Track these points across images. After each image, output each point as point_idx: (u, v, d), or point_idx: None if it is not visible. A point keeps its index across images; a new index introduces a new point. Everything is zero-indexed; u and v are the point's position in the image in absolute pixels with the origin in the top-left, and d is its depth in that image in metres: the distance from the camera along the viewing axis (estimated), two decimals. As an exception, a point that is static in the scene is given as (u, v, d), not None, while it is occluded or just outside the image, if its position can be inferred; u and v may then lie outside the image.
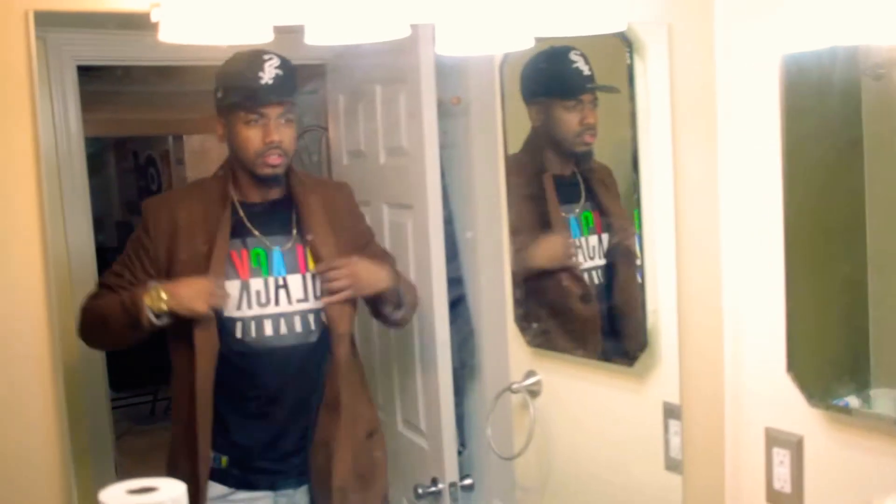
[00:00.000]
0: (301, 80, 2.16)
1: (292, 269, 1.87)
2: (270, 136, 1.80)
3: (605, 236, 2.14)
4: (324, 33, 1.49)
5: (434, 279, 1.96)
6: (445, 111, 2.08)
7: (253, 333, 1.83)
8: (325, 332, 1.87)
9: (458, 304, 2.15)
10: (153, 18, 1.38)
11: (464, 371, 2.21)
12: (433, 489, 1.98)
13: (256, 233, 1.86)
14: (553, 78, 2.08)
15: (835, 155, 1.83)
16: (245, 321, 1.83)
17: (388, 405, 2.16)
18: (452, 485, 1.97)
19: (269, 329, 1.84)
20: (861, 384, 1.82)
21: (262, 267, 1.85)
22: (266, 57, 1.78)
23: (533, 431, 2.13)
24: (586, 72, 2.04)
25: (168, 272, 1.78)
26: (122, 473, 1.82)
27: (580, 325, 2.20)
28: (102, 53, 1.78)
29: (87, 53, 1.74)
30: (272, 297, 1.85)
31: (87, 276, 1.76)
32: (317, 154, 2.27)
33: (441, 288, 1.96)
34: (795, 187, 1.82)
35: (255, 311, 1.83)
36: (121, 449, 1.89)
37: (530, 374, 2.15)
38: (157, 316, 1.71)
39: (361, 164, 2.15)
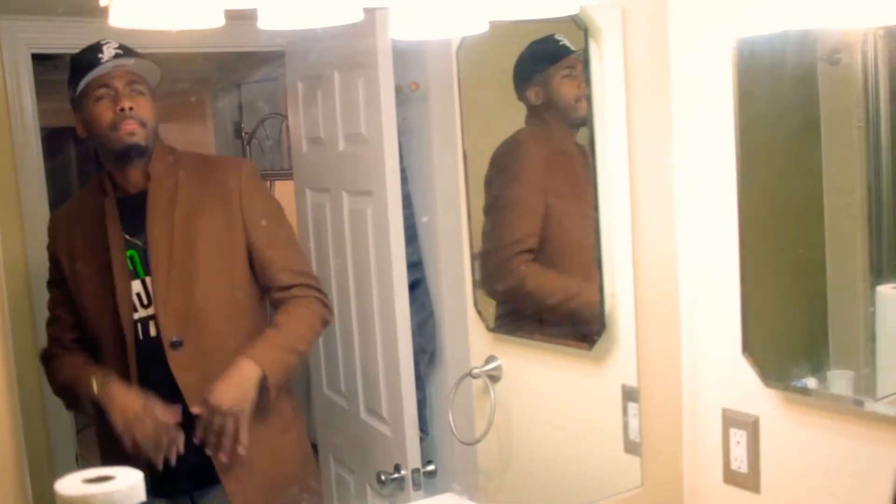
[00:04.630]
0: (258, 66, 2.16)
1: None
2: (121, 103, 1.75)
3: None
4: (277, 17, 1.47)
5: (394, 265, 1.96)
6: (404, 97, 2.08)
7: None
8: None
9: (416, 288, 2.15)
10: (102, 2, 1.36)
11: (424, 357, 2.21)
12: (396, 476, 1.98)
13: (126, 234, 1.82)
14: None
15: (790, 138, 1.85)
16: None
17: (351, 393, 2.16)
18: (415, 471, 1.98)
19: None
20: (817, 365, 1.84)
21: (138, 268, 1.82)
22: (104, 42, 1.74)
23: (494, 416, 2.13)
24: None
25: (79, 294, 1.76)
26: (85, 466, 1.80)
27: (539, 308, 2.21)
28: (57, 41, 1.76)
29: (42, 41, 1.73)
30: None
31: (43, 269, 1.75)
32: (276, 142, 2.27)
33: (401, 275, 1.97)
34: (750, 170, 1.83)
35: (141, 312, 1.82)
36: (82, 442, 1.88)
37: (491, 358, 2.16)
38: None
39: (321, 151, 2.15)
